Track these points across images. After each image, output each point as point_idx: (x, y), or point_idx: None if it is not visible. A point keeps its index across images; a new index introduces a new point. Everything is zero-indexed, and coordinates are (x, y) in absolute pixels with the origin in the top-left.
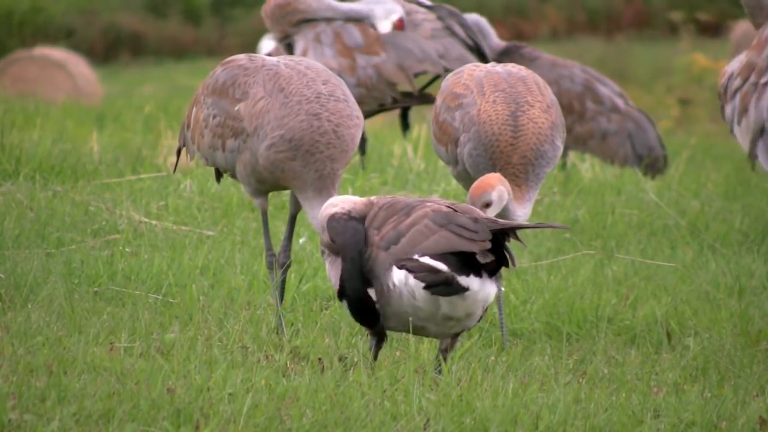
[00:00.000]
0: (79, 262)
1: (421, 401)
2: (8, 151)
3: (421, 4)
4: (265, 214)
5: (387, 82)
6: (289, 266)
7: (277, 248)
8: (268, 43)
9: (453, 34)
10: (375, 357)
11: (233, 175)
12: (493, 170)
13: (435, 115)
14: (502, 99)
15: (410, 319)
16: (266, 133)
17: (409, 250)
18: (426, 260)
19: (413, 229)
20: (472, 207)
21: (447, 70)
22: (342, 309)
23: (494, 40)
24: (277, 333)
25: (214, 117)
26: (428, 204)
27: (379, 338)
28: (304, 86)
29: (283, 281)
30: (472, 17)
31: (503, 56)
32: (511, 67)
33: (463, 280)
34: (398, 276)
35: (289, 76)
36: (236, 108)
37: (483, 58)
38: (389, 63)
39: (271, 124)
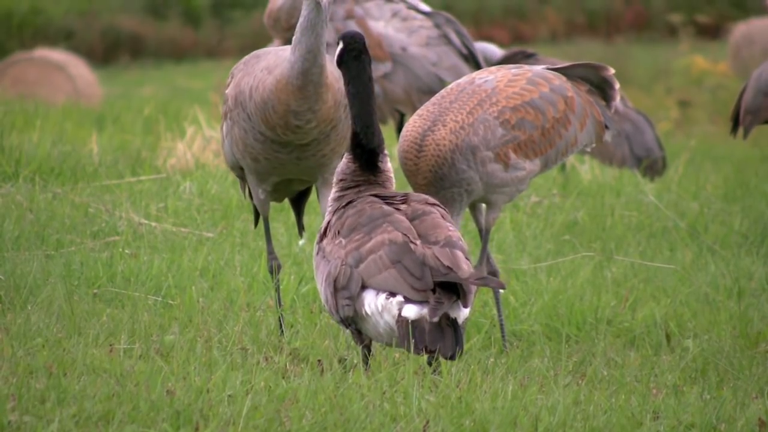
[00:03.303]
0: (79, 264)
1: (421, 403)
2: (8, 152)
3: (418, 11)
4: (266, 220)
5: (392, 106)
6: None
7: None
8: None
9: (449, 42)
10: (366, 363)
11: (251, 192)
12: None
13: None
14: (426, 115)
15: (393, 338)
16: (246, 95)
17: (367, 279)
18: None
19: (370, 258)
20: (440, 223)
21: (441, 80)
22: None
23: (497, 57)
24: (277, 334)
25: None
26: (389, 229)
27: (368, 347)
28: (280, 54)
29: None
30: (481, 45)
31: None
32: (496, 76)
33: (453, 310)
34: (370, 304)
35: (268, 52)
36: (226, 93)
37: (478, 66)
38: (397, 86)
39: (249, 84)
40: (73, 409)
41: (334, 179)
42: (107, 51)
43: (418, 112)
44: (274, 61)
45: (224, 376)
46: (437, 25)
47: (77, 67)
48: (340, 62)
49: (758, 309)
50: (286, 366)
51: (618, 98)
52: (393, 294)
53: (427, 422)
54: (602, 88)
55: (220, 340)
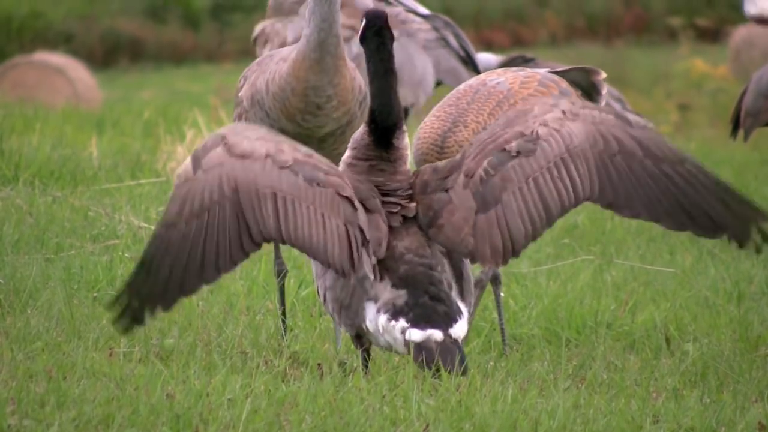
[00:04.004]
0: (79, 268)
1: (420, 406)
2: (7, 156)
3: (417, 13)
4: None
5: None
6: None
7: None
8: None
9: (447, 45)
10: (365, 366)
11: None
12: None
13: None
14: (444, 116)
15: (392, 348)
16: (262, 91)
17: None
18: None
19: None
20: (460, 218)
21: (438, 83)
22: None
23: (493, 65)
24: (277, 338)
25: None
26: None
27: (367, 350)
28: (292, 47)
29: None
30: (482, 56)
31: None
32: (507, 78)
33: (454, 331)
34: (371, 321)
35: (280, 50)
36: (239, 95)
37: (476, 70)
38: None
39: (266, 79)
40: (73, 412)
41: (349, 145)
42: (107, 54)
43: (434, 113)
44: (287, 52)
45: (224, 379)
46: (435, 28)
47: (77, 70)
48: (362, 39)
49: (758, 313)
50: (285, 370)
51: (603, 103)
52: (395, 318)
53: (427, 426)
54: (589, 93)
55: (219, 343)
